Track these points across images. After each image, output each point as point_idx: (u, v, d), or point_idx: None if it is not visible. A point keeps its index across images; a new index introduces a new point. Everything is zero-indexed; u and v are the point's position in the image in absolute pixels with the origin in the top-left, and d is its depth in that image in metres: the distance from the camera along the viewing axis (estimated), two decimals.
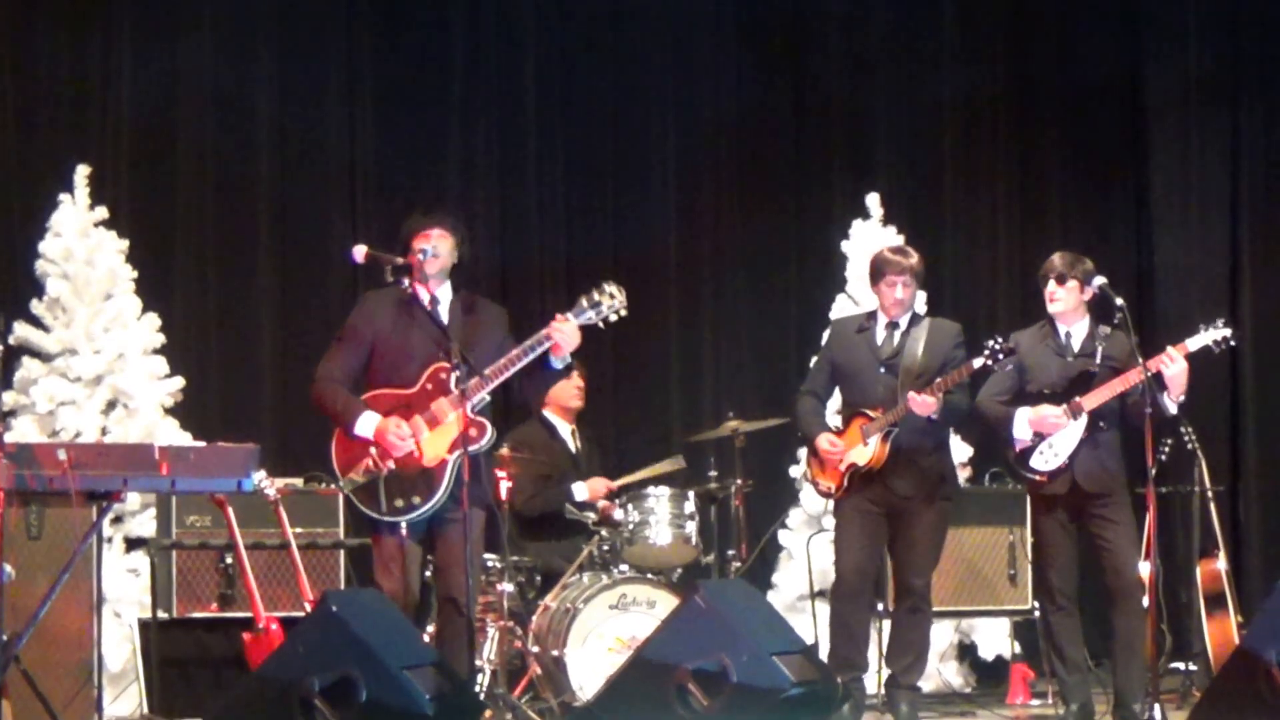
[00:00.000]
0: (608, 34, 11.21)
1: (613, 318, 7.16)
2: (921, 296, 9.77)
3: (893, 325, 8.13)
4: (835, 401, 8.58)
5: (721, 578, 8.88)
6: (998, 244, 11.48)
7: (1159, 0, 11.52)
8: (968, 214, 11.50)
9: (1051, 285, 8.00)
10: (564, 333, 7.08)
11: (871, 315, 8.25)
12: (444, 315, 7.14)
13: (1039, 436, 7.94)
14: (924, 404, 7.79)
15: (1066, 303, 8.00)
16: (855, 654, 8.05)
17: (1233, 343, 7.86)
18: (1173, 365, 7.70)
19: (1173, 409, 7.74)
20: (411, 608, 7.14)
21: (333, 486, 7.18)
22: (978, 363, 7.82)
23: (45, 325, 9.51)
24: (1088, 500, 7.92)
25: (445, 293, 7.21)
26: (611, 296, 7.14)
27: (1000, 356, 7.78)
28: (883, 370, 8.05)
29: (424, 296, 7.14)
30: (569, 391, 9.34)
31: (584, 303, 7.15)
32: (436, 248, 7.16)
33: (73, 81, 10.22)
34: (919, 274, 8.15)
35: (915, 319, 8.17)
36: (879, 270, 8.16)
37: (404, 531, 7.05)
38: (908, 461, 7.96)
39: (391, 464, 7.01)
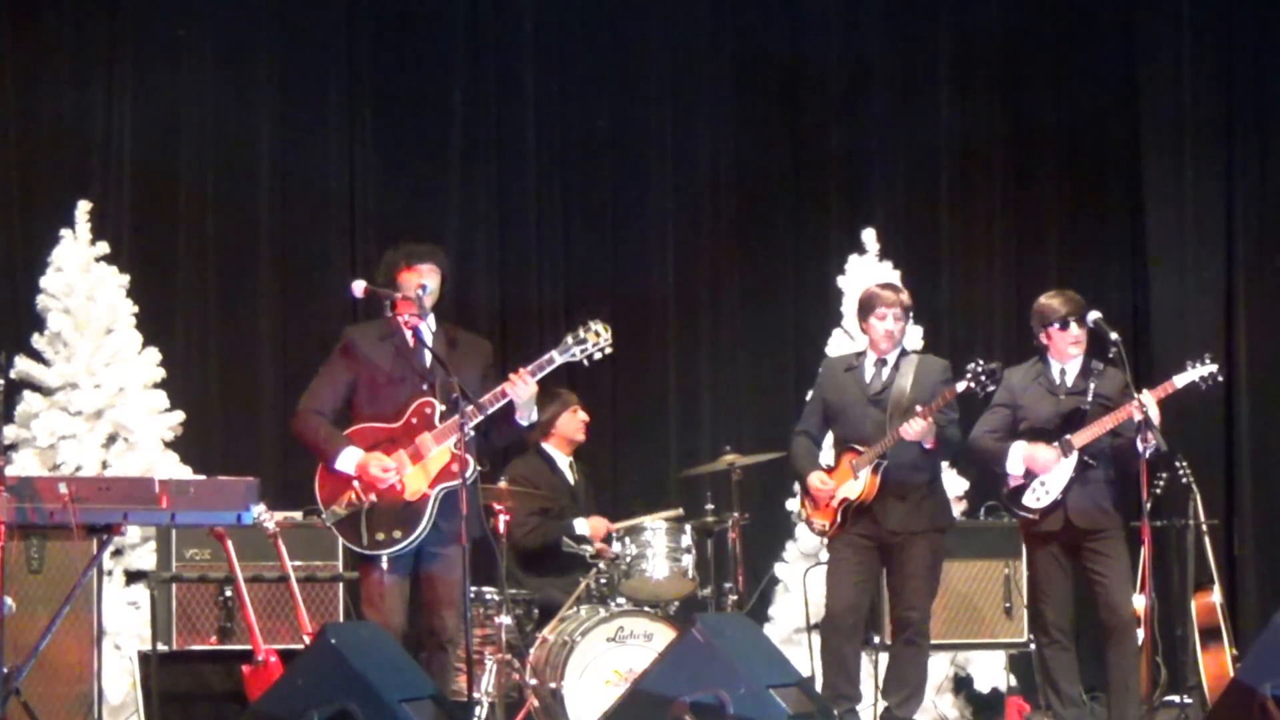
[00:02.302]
0: (607, 73, 11.26)
1: (598, 356, 7.18)
2: (916, 333, 9.85)
3: (881, 362, 8.18)
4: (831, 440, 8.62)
5: (718, 611, 8.89)
6: (994, 280, 11.50)
7: (1154, 40, 11.54)
8: (964, 251, 11.52)
9: (1074, 330, 7.98)
10: (518, 390, 7.07)
11: (861, 354, 8.32)
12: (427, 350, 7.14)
13: (1031, 474, 7.99)
14: (915, 428, 7.83)
15: (1083, 344, 8.03)
16: (848, 686, 8.09)
17: (1219, 378, 7.91)
18: (1149, 407, 7.72)
19: (1142, 448, 7.66)
20: (397, 641, 7.11)
21: (320, 519, 7.19)
22: (960, 386, 7.86)
23: (46, 360, 9.56)
24: (1081, 536, 7.97)
25: (429, 326, 7.22)
26: (597, 335, 7.16)
27: (983, 379, 7.81)
28: (872, 406, 8.10)
29: (409, 332, 7.18)
30: (574, 425, 9.41)
31: (569, 340, 7.18)
32: (430, 284, 7.20)
33: (75, 118, 10.27)
34: (909, 309, 8.22)
35: (903, 354, 8.22)
36: (869, 305, 8.22)
37: (385, 565, 7.06)
38: (898, 495, 8.00)
39: (374, 497, 7.02)
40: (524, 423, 7.23)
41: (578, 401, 9.43)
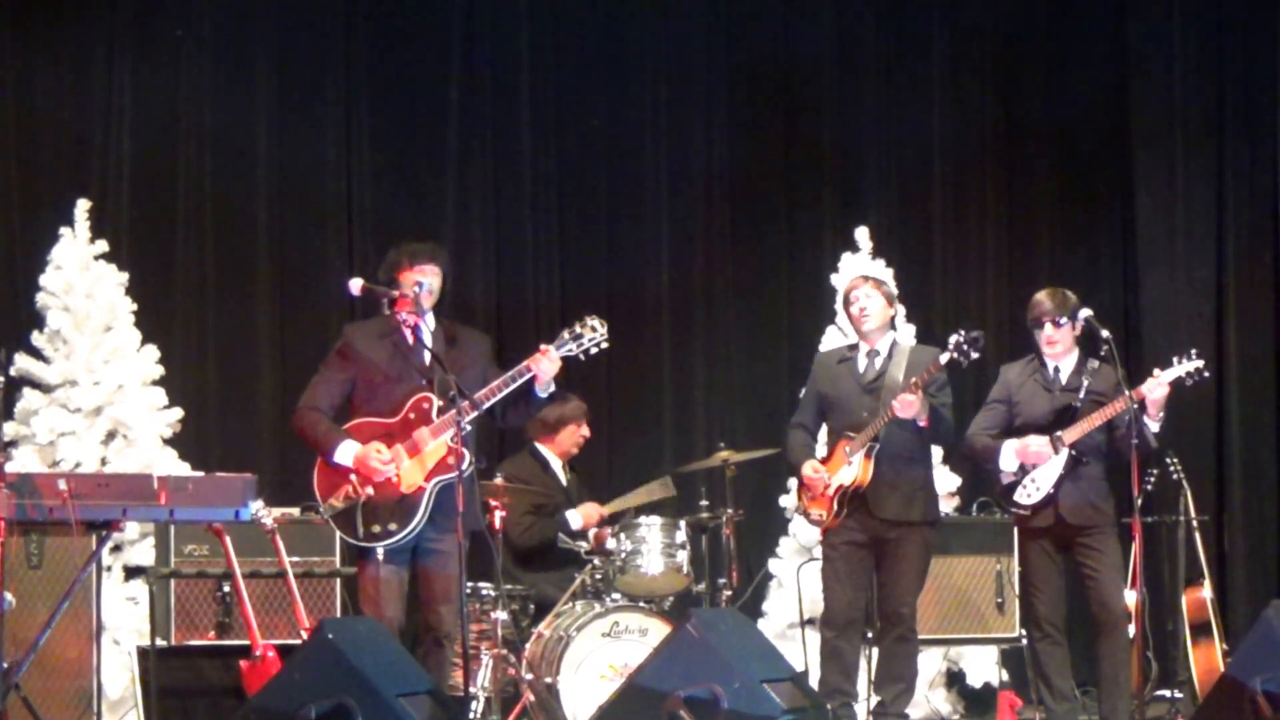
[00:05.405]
0: (601, 72, 11.31)
1: (594, 350, 7.22)
2: (909, 331, 9.91)
3: (873, 352, 8.23)
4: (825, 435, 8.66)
5: (713, 606, 8.91)
6: (986, 278, 11.55)
7: (1146, 39, 11.60)
8: (956, 248, 11.57)
9: (1049, 330, 8.07)
10: (543, 365, 7.14)
11: (853, 346, 8.37)
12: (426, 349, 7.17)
13: (1023, 470, 8.04)
14: (906, 404, 7.86)
15: (1065, 344, 8.10)
16: (846, 683, 8.12)
17: (1205, 374, 7.94)
18: (1156, 390, 7.80)
19: (1154, 427, 7.80)
20: (394, 636, 7.13)
21: (317, 513, 7.25)
22: (944, 357, 7.88)
23: (46, 357, 9.59)
24: (1073, 532, 8.01)
25: (429, 323, 7.27)
26: (594, 330, 7.18)
27: (965, 347, 7.83)
28: (866, 394, 8.13)
29: (408, 330, 7.21)
30: (574, 439, 9.43)
31: (566, 335, 7.20)
32: (429, 282, 7.25)
33: (74, 116, 10.32)
34: (884, 289, 8.27)
35: (896, 346, 8.26)
36: (844, 299, 8.38)
37: (380, 557, 7.10)
38: (892, 481, 8.02)
39: (370, 490, 7.05)
40: (543, 395, 7.26)
41: (587, 417, 9.47)
